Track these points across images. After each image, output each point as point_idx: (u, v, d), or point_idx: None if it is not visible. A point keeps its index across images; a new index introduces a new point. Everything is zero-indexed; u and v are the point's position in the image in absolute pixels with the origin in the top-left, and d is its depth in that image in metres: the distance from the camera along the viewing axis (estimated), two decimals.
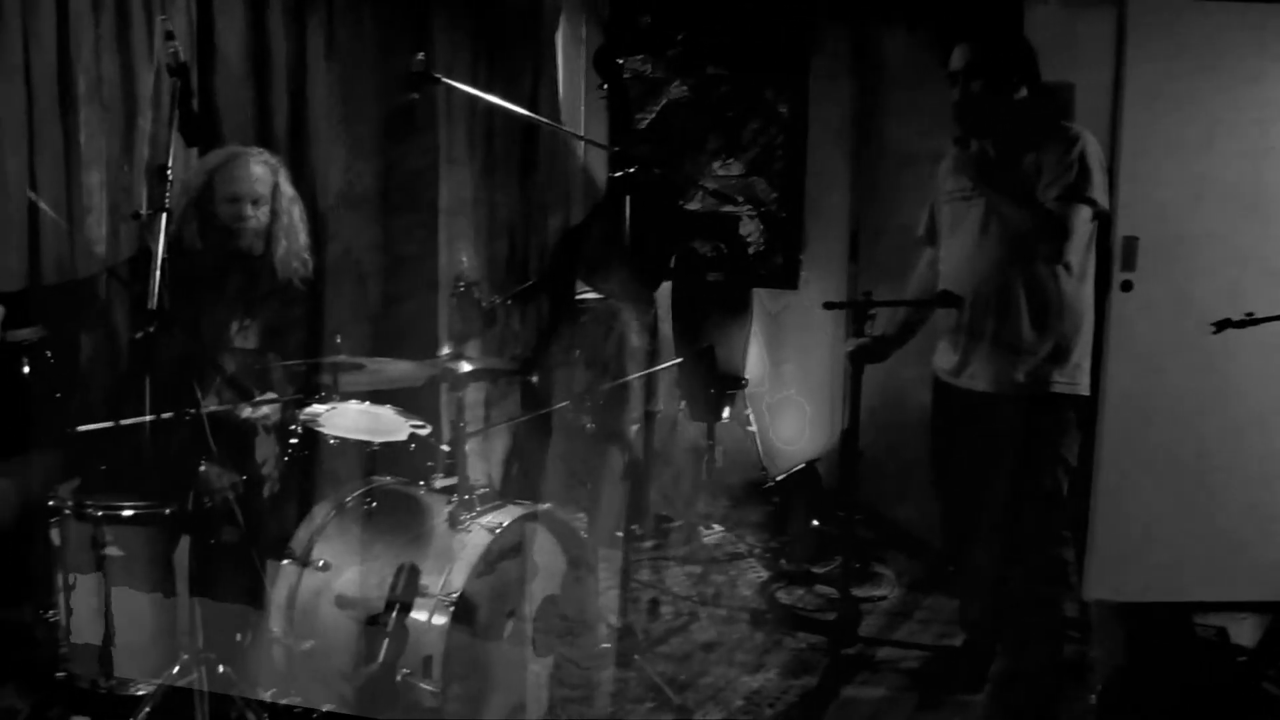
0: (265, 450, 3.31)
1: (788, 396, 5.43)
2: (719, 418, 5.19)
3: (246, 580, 3.01)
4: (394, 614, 1.78)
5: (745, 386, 5.30)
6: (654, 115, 5.61)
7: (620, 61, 5.23)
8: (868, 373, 3.55)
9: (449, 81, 3.36)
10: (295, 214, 3.51)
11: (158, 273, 2.51)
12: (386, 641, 1.74)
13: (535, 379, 4.22)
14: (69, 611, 3.09)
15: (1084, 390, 3.28)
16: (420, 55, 3.19)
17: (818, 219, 5.47)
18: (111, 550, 3.01)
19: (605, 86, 5.13)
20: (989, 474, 3.31)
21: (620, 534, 3.74)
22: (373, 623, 1.82)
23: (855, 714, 3.45)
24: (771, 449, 5.40)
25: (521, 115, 4.46)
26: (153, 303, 2.48)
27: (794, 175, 5.49)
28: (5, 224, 3.48)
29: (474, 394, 4.55)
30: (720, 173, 5.60)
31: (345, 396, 3.31)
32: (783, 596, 4.37)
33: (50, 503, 3.10)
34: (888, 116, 5.23)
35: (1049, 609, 3.29)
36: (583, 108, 5.66)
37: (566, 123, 5.41)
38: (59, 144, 3.59)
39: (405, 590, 1.81)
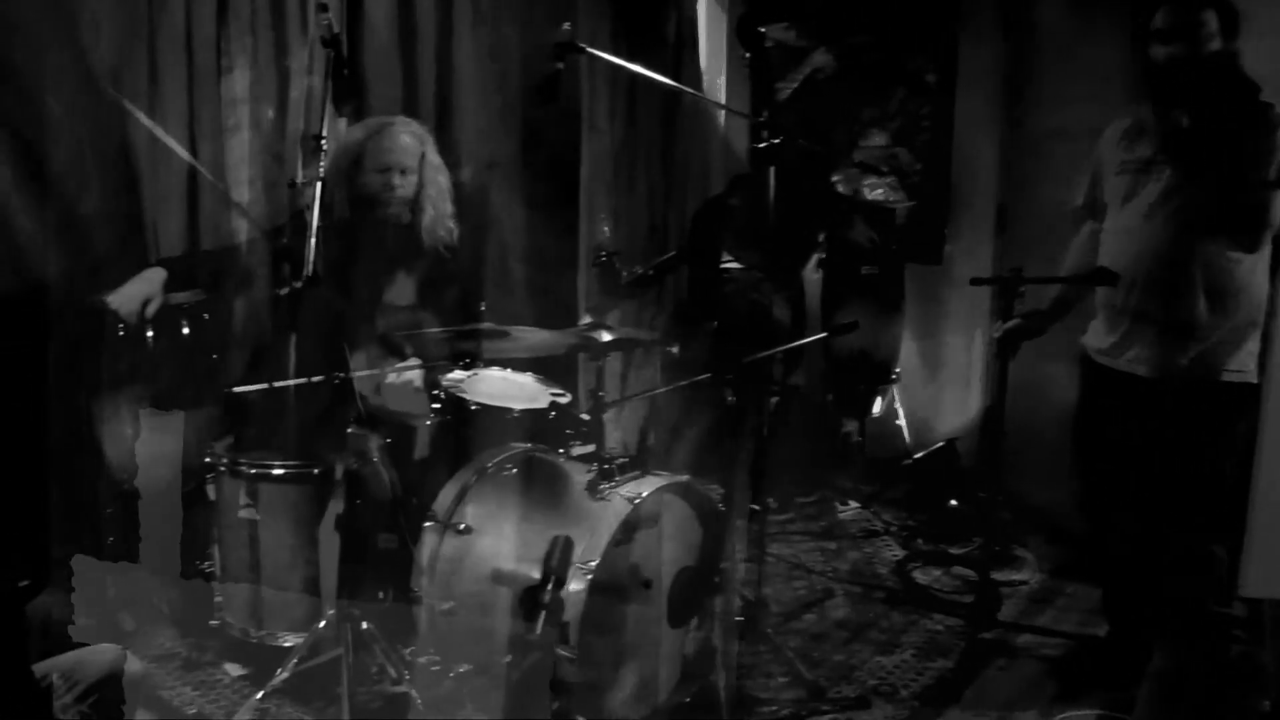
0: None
1: (929, 373, 5.31)
2: (869, 413, 5.10)
3: (391, 540, 3.09)
4: (549, 587, 1.79)
5: (897, 381, 5.19)
6: (797, 85, 5.52)
7: (763, 30, 5.16)
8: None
9: (594, 51, 3.37)
10: (441, 183, 3.56)
11: (313, 239, 2.58)
12: (543, 614, 1.74)
13: (675, 349, 4.21)
14: (223, 563, 3.23)
15: (1253, 378, 3.11)
16: (566, 25, 3.20)
17: (964, 191, 5.32)
18: (249, 514, 3.12)
19: (747, 55, 5.07)
20: (1144, 460, 3.17)
21: (756, 507, 3.72)
22: (528, 595, 1.83)
23: (992, 700, 3.37)
24: (911, 426, 5.29)
25: (663, 84, 4.42)
26: (309, 269, 2.55)
27: (940, 146, 5.34)
28: (167, 193, 3.61)
29: (611, 363, 4.58)
30: (864, 143, 5.49)
31: (487, 364, 3.37)
32: (919, 576, 4.29)
33: (206, 459, 3.23)
34: (1041, 84, 5.03)
35: (1207, 606, 3.14)
36: (723, 77, 5.61)
37: (707, 92, 5.37)
38: (216, 114, 3.71)
39: (560, 562, 1.82)
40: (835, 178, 5.57)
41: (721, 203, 4.82)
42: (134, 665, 2.21)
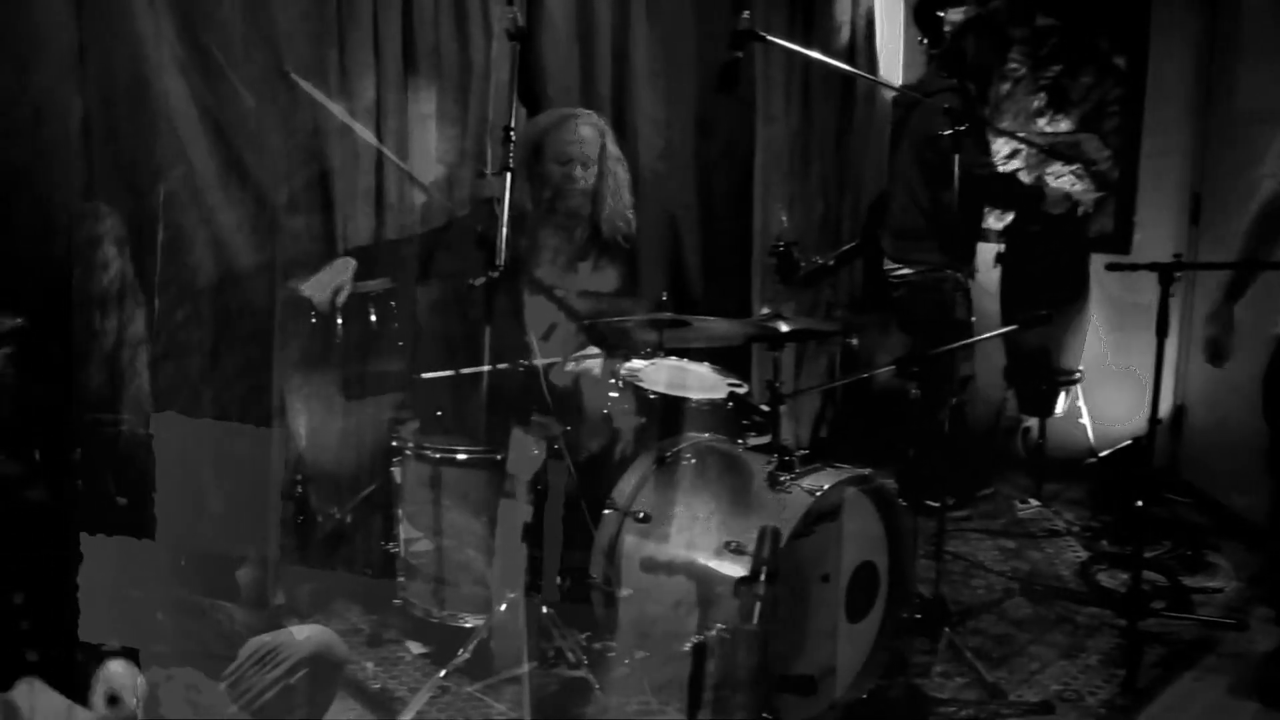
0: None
1: (1115, 368, 5.09)
2: (1051, 413, 4.93)
3: (572, 526, 3.12)
4: (762, 578, 1.78)
5: (1081, 380, 4.99)
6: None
7: (941, 14, 5.02)
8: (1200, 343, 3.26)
9: (772, 39, 3.34)
10: (620, 174, 3.59)
11: (504, 229, 2.62)
12: (758, 605, 1.73)
13: (855, 341, 4.14)
14: (408, 545, 3.32)
15: None
16: (746, 13, 3.17)
17: (1155, 179, 5.08)
18: (425, 545, 3.18)
19: (925, 41, 4.95)
20: None
21: (934, 503, 3.64)
22: (741, 587, 1.83)
23: (1184, 711, 3.22)
24: (1095, 424, 5.08)
25: (839, 69, 4.35)
26: (500, 259, 2.60)
27: (1129, 132, 5.11)
28: (355, 186, 3.72)
29: (785, 354, 4.54)
30: (1048, 129, 5.30)
31: (667, 353, 3.38)
32: (1104, 579, 4.11)
33: (393, 443, 3.32)
34: (1240, 67, 4.77)
35: None
36: (900, 63, 5.50)
37: (884, 78, 5.28)
38: (402, 108, 3.80)
39: (770, 554, 1.80)
40: (1017, 166, 5.40)
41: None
42: (340, 648, 2.29)
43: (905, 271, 4.49)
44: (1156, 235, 5.03)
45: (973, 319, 4.49)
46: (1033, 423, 5.07)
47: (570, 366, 3.43)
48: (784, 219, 3.53)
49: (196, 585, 2.63)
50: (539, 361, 3.06)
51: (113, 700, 1.96)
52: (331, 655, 2.24)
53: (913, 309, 4.44)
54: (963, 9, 4.83)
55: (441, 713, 2.99)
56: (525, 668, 2.91)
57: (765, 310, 3.27)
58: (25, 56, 2.82)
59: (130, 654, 2.04)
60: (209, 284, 3.28)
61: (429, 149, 3.87)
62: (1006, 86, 5.42)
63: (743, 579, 1.82)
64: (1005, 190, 4.77)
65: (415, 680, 3.19)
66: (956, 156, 3.37)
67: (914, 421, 3.34)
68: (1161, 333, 3.26)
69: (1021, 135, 5.27)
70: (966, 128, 3.34)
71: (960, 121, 3.40)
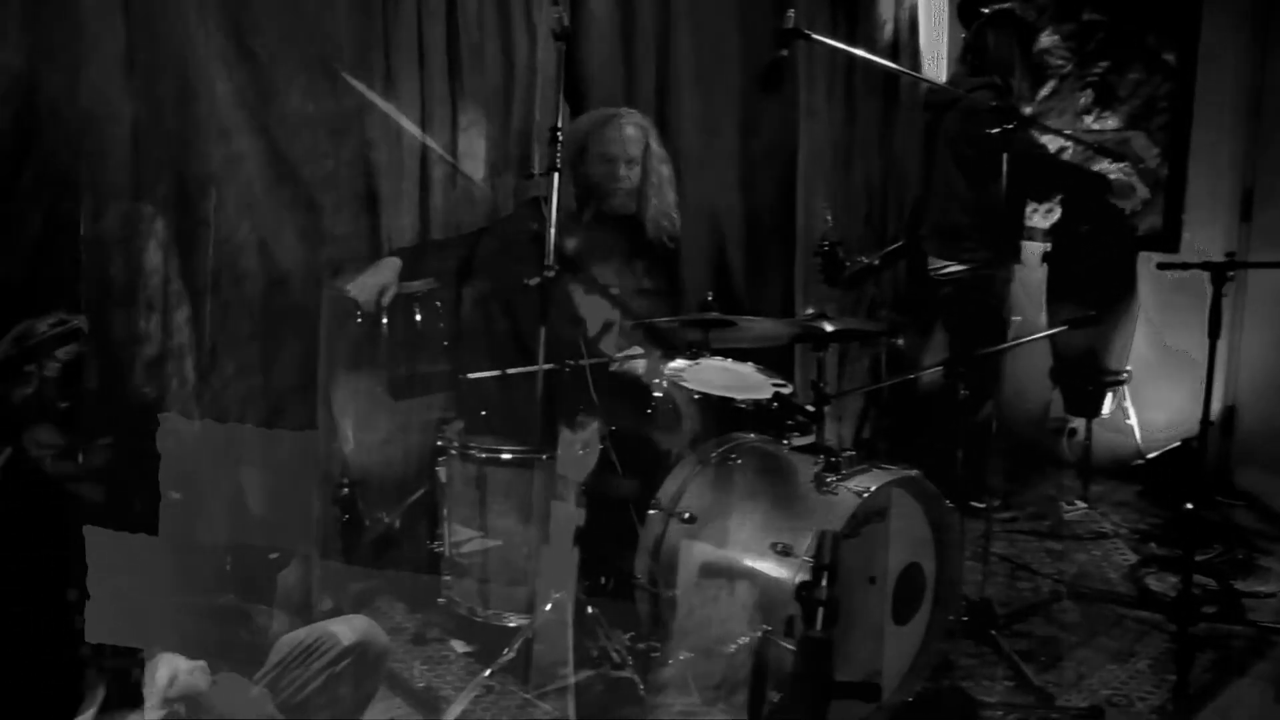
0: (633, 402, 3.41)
1: (1163, 368, 5.02)
2: (1098, 413, 4.86)
3: (618, 526, 3.12)
4: (823, 582, 1.76)
5: (1128, 381, 4.93)
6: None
7: (985, 9, 4.98)
8: (1251, 343, 3.20)
9: (818, 38, 3.32)
10: (664, 173, 3.59)
11: (552, 229, 2.62)
12: (821, 610, 1.72)
13: (900, 341, 4.11)
14: (452, 544, 3.32)
15: None
16: (791, 12, 3.16)
17: (1205, 177, 5.00)
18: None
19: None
20: None
21: (980, 505, 3.60)
22: (803, 592, 1.81)
23: (1236, 717, 3.17)
24: (1143, 426, 5.02)
25: (883, 66, 4.29)
26: (550, 259, 2.59)
27: (1179, 129, 5.03)
28: (400, 186, 3.73)
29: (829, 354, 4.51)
30: (1095, 126, 5.23)
31: (712, 353, 3.37)
32: (1153, 583, 4.06)
33: (438, 443, 3.33)
34: None
35: None
36: (944, 61, 5.45)
37: (928, 75, 5.24)
38: (447, 108, 3.81)
39: (830, 557, 1.79)
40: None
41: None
42: (381, 636, 2.30)
43: (950, 270, 4.45)
44: (1207, 233, 4.95)
45: (1016, 318, 4.45)
46: (1079, 424, 5.01)
47: (615, 366, 3.43)
48: (829, 218, 3.51)
49: (239, 589, 2.65)
50: (585, 361, 3.06)
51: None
52: (375, 643, 2.26)
53: (958, 307, 4.40)
54: (1006, 3, 4.77)
55: (486, 711, 2.99)
56: (572, 675, 2.90)
57: (810, 310, 3.25)
58: (75, 60, 2.85)
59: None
60: (254, 285, 3.30)
61: (474, 149, 3.88)
62: (1052, 84, 5.36)
63: (804, 584, 1.80)
64: (1069, 176, 4.70)
65: (460, 679, 3.19)
66: (1005, 155, 3.33)
67: (962, 421, 3.31)
68: (1214, 333, 3.22)
69: (1068, 133, 5.21)
70: (1015, 125, 3.30)
71: (1008, 119, 3.37)
